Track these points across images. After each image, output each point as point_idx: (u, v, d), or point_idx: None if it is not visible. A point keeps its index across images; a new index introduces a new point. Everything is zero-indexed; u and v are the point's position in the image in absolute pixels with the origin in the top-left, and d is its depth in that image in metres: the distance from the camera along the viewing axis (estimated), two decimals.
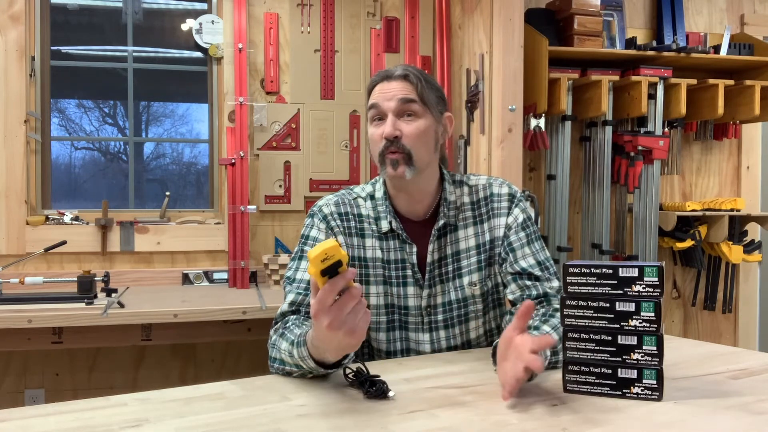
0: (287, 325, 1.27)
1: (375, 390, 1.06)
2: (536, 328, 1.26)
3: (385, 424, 0.94)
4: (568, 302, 1.08)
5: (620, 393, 1.05)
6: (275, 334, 1.27)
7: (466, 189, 1.46)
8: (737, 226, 2.89)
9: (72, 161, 2.92)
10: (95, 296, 2.17)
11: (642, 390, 1.03)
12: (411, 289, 1.41)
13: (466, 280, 1.42)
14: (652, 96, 2.72)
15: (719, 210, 2.84)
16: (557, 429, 0.92)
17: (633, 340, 1.04)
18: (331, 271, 0.95)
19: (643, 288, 1.03)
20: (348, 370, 1.13)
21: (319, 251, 0.93)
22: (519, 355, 1.02)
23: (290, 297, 1.33)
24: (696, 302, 3.06)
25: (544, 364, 1.02)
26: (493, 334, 1.47)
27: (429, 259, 1.41)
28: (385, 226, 1.41)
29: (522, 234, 1.41)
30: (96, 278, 2.17)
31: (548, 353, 1.19)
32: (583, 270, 1.07)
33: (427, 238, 1.41)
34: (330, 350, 1.06)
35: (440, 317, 1.41)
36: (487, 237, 1.43)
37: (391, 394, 1.06)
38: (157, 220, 2.72)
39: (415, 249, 1.40)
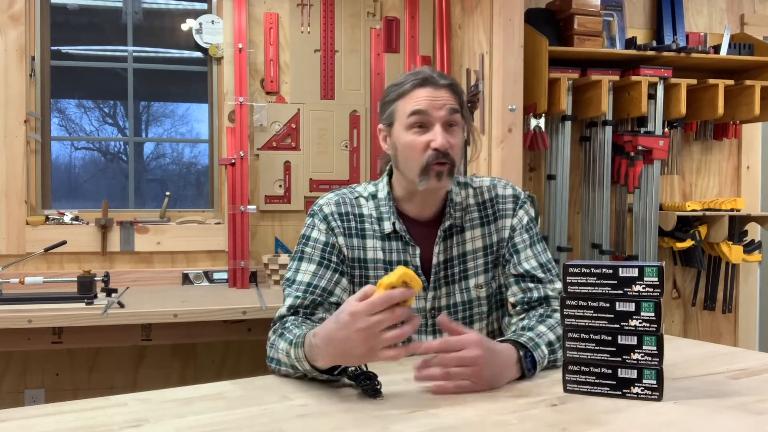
0: (286, 325, 1.26)
1: (368, 385, 1.06)
2: (531, 328, 1.25)
3: (385, 424, 0.94)
4: (568, 302, 1.08)
5: (620, 393, 1.05)
6: (274, 335, 1.26)
7: (471, 191, 1.45)
8: (737, 226, 2.88)
9: (72, 161, 2.92)
10: (95, 296, 2.17)
11: (642, 390, 1.03)
12: None
13: (472, 282, 1.41)
14: (652, 96, 2.72)
15: (719, 210, 2.83)
16: (557, 429, 0.92)
17: (633, 340, 1.04)
18: None
19: (643, 288, 1.03)
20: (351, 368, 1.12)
21: (406, 277, 0.99)
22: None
23: (289, 301, 1.32)
24: (696, 302, 3.06)
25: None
26: (495, 336, 1.46)
27: (435, 260, 1.39)
28: (388, 227, 1.39)
29: (526, 236, 1.41)
30: (96, 278, 2.17)
31: (545, 351, 1.20)
32: (583, 270, 1.07)
33: (432, 239, 1.40)
34: (327, 354, 1.05)
35: None
36: (495, 238, 1.43)
37: (381, 393, 1.06)
38: (157, 220, 2.72)
39: (418, 251, 1.39)
